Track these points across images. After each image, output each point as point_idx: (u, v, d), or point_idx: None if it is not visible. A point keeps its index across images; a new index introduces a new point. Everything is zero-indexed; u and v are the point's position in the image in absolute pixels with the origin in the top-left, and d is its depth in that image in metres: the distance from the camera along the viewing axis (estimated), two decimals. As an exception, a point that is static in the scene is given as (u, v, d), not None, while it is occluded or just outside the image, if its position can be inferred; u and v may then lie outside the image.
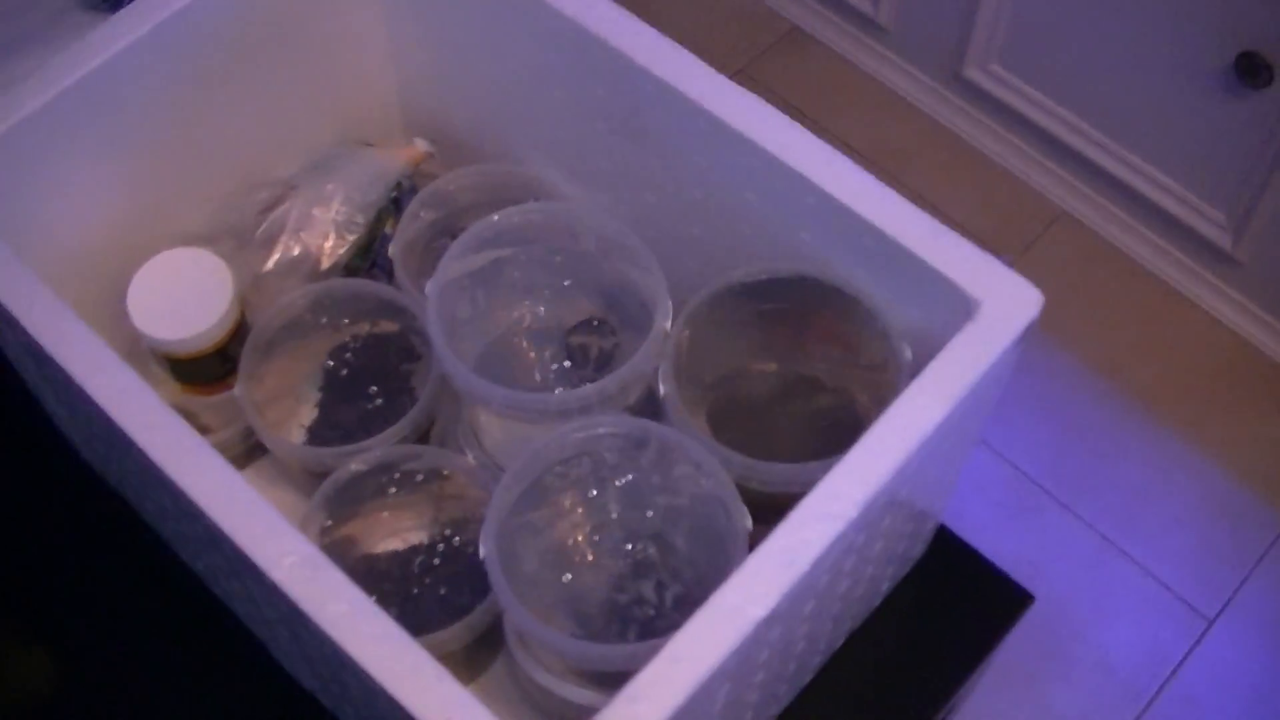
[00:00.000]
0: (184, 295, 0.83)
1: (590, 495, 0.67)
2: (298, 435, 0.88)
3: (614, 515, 0.67)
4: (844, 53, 1.86)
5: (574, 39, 0.76)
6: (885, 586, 0.86)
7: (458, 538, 0.78)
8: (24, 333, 0.68)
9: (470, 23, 0.85)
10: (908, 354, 0.70)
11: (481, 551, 0.63)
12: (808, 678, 0.83)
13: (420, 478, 0.80)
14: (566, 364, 0.77)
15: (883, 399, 0.71)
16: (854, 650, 0.86)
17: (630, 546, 0.66)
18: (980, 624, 0.90)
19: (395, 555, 0.79)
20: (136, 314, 0.83)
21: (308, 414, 0.89)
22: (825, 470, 0.67)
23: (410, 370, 0.87)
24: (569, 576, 0.65)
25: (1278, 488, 1.55)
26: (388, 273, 0.92)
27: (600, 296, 0.80)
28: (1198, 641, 1.47)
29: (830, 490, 0.61)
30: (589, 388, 0.68)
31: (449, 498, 0.81)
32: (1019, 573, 0.91)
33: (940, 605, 0.90)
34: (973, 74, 1.70)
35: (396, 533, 0.81)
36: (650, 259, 0.74)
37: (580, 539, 0.67)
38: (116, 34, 0.76)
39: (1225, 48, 1.39)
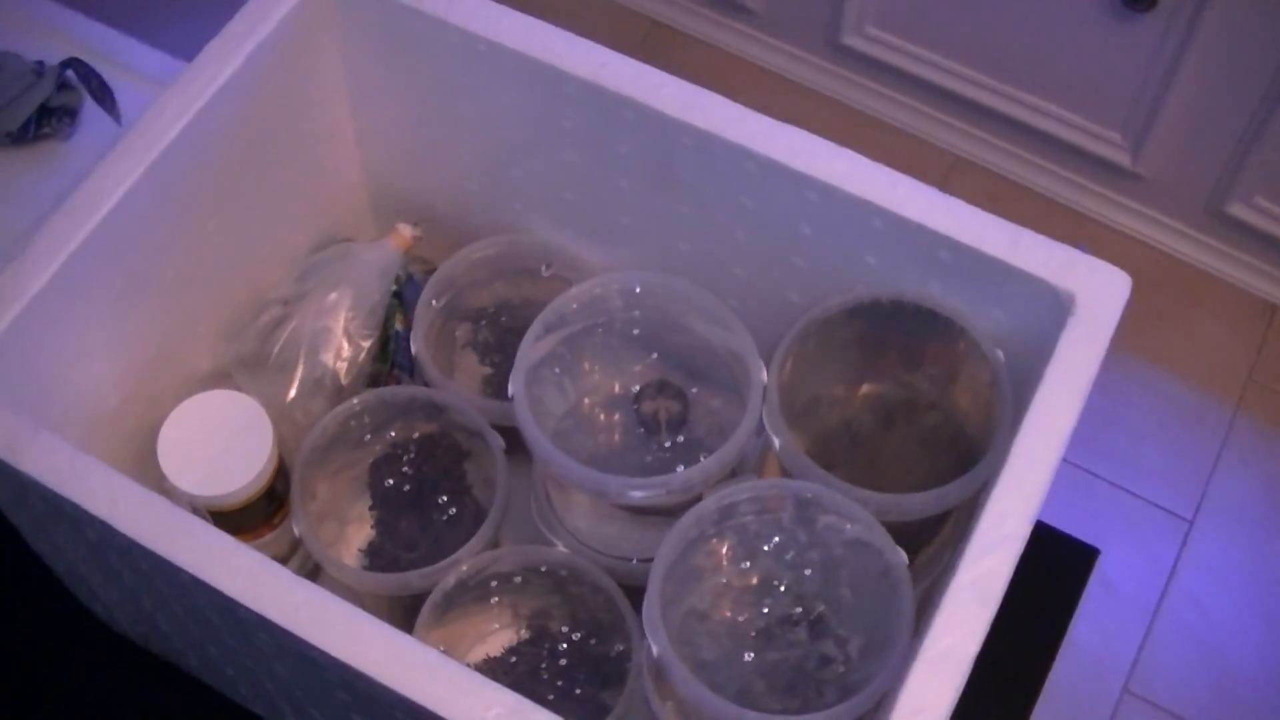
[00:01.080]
0: (220, 445, 0.78)
1: (743, 567, 0.65)
2: (353, 558, 0.84)
3: (775, 583, 0.65)
4: (713, 41, 1.86)
5: (594, 101, 0.74)
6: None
7: (577, 633, 0.75)
8: (96, 521, 0.62)
9: (457, 98, 0.81)
10: (1000, 356, 0.70)
11: (654, 651, 0.61)
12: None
13: (518, 579, 0.77)
14: (641, 432, 0.75)
15: (985, 407, 0.71)
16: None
17: (799, 610, 0.64)
18: (1057, 586, 0.92)
19: (511, 663, 0.76)
20: (173, 472, 0.77)
21: (357, 533, 0.85)
22: (963, 490, 0.67)
23: (464, 470, 0.84)
24: (750, 655, 0.63)
25: (1220, 382, 1.62)
26: (408, 371, 0.88)
27: (666, 356, 0.78)
28: (1184, 543, 1.52)
29: (998, 512, 0.61)
30: (709, 462, 0.66)
31: (545, 593, 0.78)
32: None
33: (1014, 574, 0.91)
34: (851, 40, 1.71)
35: (498, 640, 0.78)
36: (731, 316, 0.72)
37: (749, 614, 0.65)
38: (107, 188, 0.71)
39: (1105, -24, 1.43)
